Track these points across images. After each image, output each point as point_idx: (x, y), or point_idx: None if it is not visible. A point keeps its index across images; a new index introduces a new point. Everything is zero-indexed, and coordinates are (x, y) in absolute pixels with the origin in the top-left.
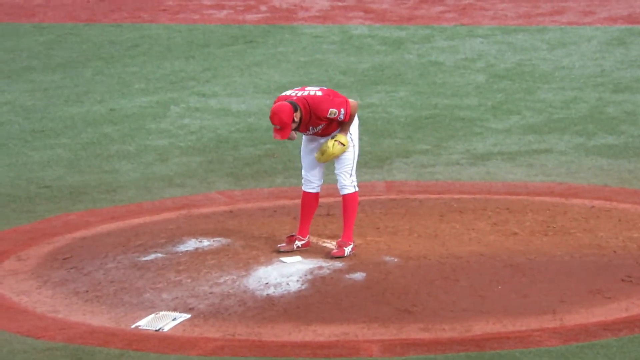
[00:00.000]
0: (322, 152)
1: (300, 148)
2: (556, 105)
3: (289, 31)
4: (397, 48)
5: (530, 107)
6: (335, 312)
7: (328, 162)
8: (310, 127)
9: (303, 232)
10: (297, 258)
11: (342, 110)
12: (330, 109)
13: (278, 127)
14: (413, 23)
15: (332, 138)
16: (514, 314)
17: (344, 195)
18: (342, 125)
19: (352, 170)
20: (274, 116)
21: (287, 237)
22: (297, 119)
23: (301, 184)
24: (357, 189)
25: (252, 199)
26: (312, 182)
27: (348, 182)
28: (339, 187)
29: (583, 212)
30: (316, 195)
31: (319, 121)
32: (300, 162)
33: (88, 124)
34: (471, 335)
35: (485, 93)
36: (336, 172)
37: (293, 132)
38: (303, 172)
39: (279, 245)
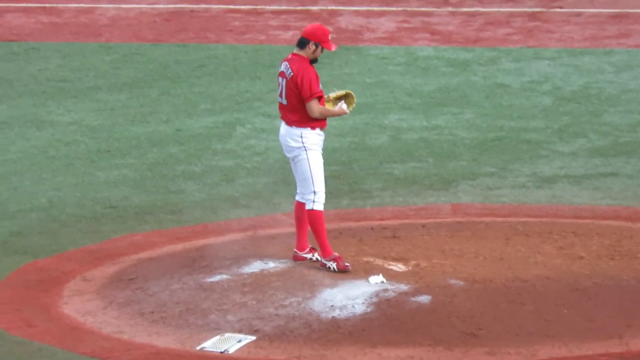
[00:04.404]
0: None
1: (318, 165)
2: (622, 129)
3: (355, 52)
4: (463, 70)
5: (596, 130)
6: (401, 335)
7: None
8: None
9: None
10: (380, 278)
11: None
12: None
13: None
14: (479, 45)
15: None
16: (580, 339)
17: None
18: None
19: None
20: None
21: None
22: None
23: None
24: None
25: None
26: None
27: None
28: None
29: None
30: None
31: None
32: (319, 179)
33: (154, 144)
34: (537, 359)
35: (552, 115)
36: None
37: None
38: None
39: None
